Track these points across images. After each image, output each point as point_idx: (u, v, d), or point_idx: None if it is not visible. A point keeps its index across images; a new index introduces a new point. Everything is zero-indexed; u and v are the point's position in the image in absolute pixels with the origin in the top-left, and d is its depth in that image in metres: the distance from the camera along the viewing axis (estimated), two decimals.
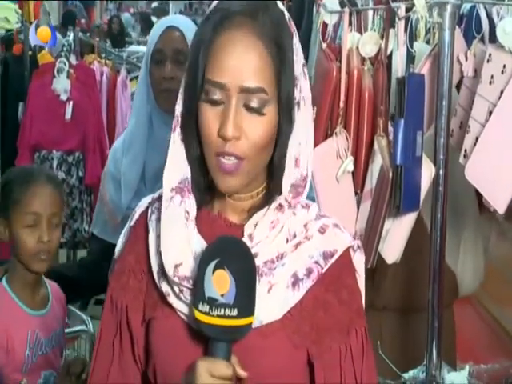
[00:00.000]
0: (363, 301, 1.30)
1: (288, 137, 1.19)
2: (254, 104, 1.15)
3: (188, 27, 2.23)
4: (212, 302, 1.12)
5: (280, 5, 1.21)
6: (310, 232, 1.22)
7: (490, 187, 1.90)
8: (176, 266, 1.20)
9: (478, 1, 1.99)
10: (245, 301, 1.14)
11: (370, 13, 2.23)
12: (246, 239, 1.19)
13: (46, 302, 2.18)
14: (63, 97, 3.77)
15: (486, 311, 2.35)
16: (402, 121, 1.88)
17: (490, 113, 1.88)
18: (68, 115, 3.80)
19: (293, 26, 1.21)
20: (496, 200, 1.89)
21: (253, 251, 1.17)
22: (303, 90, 1.20)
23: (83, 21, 6.06)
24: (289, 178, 1.20)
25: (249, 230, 1.20)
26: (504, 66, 1.85)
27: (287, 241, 1.21)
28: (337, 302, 1.21)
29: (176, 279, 1.19)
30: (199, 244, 1.22)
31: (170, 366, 1.24)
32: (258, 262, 1.17)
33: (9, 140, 3.85)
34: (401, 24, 1.89)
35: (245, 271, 1.14)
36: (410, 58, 2.30)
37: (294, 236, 1.21)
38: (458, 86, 2.13)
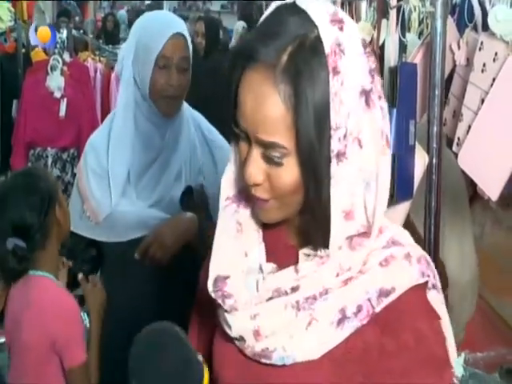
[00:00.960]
0: (447, 349, 1.11)
1: (315, 191, 1.05)
2: (271, 155, 1.05)
3: (187, 32, 2.20)
4: None
5: (322, 39, 1.00)
6: (368, 265, 1.09)
7: (483, 175, 1.92)
8: (216, 281, 1.14)
9: None
10: None
11: (364, 3, 2.25)
12: (290, 273, 1.11)
13: None
14: (57, 94, 3.78)
15: (481, 299, 2.36)
16: (395, 110, 1.88)
17: (483, 100, 1.89)
18: (62, 112, 3.80)
19: (341, 65, 1.00)
20: (489, 187, 1.91)
21: (295, 283, 1.10)
22: (352, 134, 1.02)
23: (77, 18, 6.07)
24: (339, 233, 1.06)
25: (303, 265, 1.12)
26: (496, 54, 1.85)
27: (337, 275, 1.08)
28: (396, 347, 1.06)
29: (213, 294, 1.13)
30: (259, 257, 1.16)
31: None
32: (299, 296, 1.08)
33: (3, 138, 3.87)
34: (393, 13, 1.90)
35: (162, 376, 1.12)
36: (403, 48, 2.28)
37: (347, 270, 1.08)
38: (451, 75, 2.13)
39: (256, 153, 1.07)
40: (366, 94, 1.03)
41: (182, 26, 2.17)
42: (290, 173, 1.05)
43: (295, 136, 1.02)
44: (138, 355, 1.14)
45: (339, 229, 1.06)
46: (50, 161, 3.81)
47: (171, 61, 2.13)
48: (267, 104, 1.02)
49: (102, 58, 4.38)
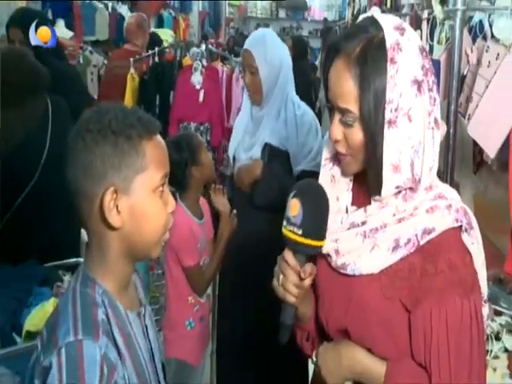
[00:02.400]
0: (478, 279, 1.08)
1: (372, 148, 1.05)
2: (345, 119, 1.07)
3: (254, 44, 2.11)
4: (288, 220, 1.08)
5: (386, 38, 1.03)
6: (418, 211, 1.08)
7: (485, 138, 1.96)
8: None
9: (478, 8, 2.02)
10: (310, 225, 1.06)
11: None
12: (361, 212, 1.12)
13: (202, 215, 2.26)
14: (198, 87, 3.99)
15: (484, 237, 2.40)
16: None
17: (487, 87, 1.95)
18: (200, 99, 4.01)
19: (397, 58, 1.02)
20: (489, 148, 1.95)
21: (364, 219, 1.11)
22: (402, 109, 1.03)
23: (212, 40, 6.56)
24: (389, 182, 1.06)
25: (370, 207, 1.12)
26: (498, 54, 1.91)
27: (393, 215, 1.08)
28: (434, 271, 1.05)
29: None
30: (346, 201, 1.16)
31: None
32: (366, 228, 1.10)
33: (164, 115, 4.05)
34: (424, 24, 2.01)
35: (314, 205, 1.07)
36: (431, 50, 2.33)
37: (401, 212, 1.08)
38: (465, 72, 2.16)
39: (336, 118, 1.09)
40: (418, 83, 1.03)
41: (250, 43, 2.12)
42: (357, 133, 1.06)
43: (359, 105, 1.04)
44: (309, 183, 1.12)
45: (388, 178, 1.05)
46: (192, 130, 4.00)
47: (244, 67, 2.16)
48: (342, 81, 1.05)
49: (227, 65, 4.57)
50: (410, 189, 1.07)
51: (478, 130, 2.00)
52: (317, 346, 1.23)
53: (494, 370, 1.76)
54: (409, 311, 1.08)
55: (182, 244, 2.09)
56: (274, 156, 2.11)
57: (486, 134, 1.95)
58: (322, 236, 1.08)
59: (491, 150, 1.95)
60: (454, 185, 2.16)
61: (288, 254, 1.09)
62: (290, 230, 1.07)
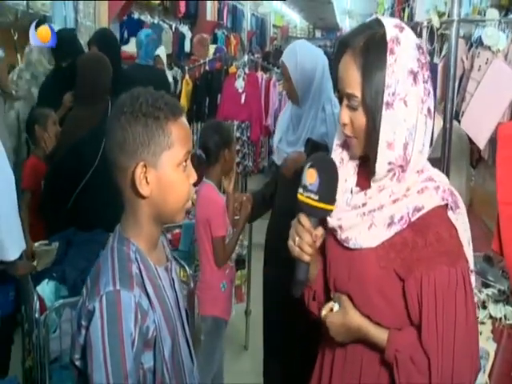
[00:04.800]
0: (461, 249, 1.05)
1: (372, 127, 1.03)
2: (350, 103, 1.05)
3: (287, 56, 2.06)
4: (304, 188, 1.06)
5: (386, 33, 1.01)
6: (409, 192, 1.05)
7: (475, 132, 1.91)
8: None
9: (471, 20, 1.97)
10: (325, 191, 1.05)
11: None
12: (362, 195, 1.10)
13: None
14: (240, 90, 4.02)
15: (481, 221, 2.32)
16: None
17: (477, 87, 1.90)
18: (242, 100, 4.04)
19: (396, 50, 1.01)
20: (478, 140, 1.90)
21: (364, 201, 1.09)
22: (399, 94, 1.01)
23: (257, 55, 6.60)
24: (383, 157, 1.03)
25: (369, 191, 1.10)
26: (487, 59, 1.87)
27: (389, 196, 1.06)
28: (424, 243, 1.02)
29: None
30: (352, 183, 1.14)
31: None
32: (365, 209, 1.08)
33: (212, 114, 4.14)
34: (424, 31, 1.96)
35: (328, 174, 1.06)
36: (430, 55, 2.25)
37: (396, 193, 1.06)
38: (462, 76, 2.10)
39: (344, 104, 1.07)
40: (414, 74, 1.01)
41: (285, 56, 2.09)
42: (361, 116, 1.05)
43: (362, 90, 1.02)
44: (323, 156, 1.12)
45: (382, 154, 1.03)
46: (235, 127, 4.06)
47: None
48: (349, 70, 1.04)
49: (266, 73, 4.61)
50: (401, 167, 1.04)
51: (469, 125, 1.96)
52: (322, 305, 1.22)
53: (480, 333, 1.73)
54: (402, 280, 1.05)
55: (215, 216, 2.08)
56: (316, 149, 2.04)
57: (476, 127, 1.92)
58: (333, 201, 1.07)
59: (481, 141, 1.93)
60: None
61: (303, 218, 1.08)
62: (308, 197, 1.06)
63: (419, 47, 1.03)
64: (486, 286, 1.80)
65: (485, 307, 1.72)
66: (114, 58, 2.67)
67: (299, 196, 1.07)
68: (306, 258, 1.10)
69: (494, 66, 1.82)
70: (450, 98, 1.97)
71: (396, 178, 1.05)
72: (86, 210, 2.30)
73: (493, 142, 1.94)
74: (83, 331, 0.92)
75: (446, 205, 1.04)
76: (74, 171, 2.31)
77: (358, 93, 1.03)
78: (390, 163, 1.03)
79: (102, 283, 0.93)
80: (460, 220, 1.06)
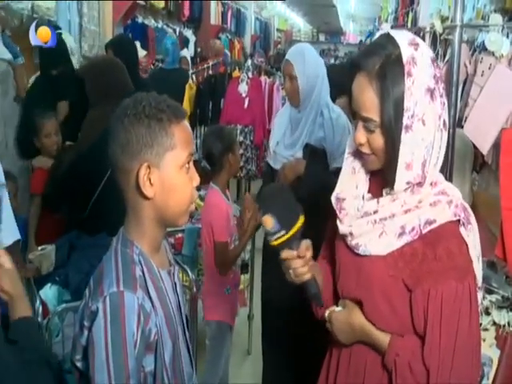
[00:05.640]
0: (473, 266, 1.05)
1: (391, 150, 1.02)
2: (368, 126, 1.05)
3: (294, 56, 2.06)
4: (270, 234, 1.07)
5: (402, 54, 0.99)
6: (422, 204, 1.05)
7: (478, 136, 1.90)
8: (337, 200, 1.15)
9: (474, 25, 1.97)
10: (286, 222, 1.05)
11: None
12: (374, 202, 1.10)
13: (229, 199, 2.21)
14: (243, 95, 4.01)
15: (486, 228, 2.30)
16: None
17: (480, 93, 1.89)
18: (245, 105, 4.03)
19: (413, 71, 0.99)
20: (481, 145, 1.90)
21: (376, 209, 1.08)
22: (417, 115, 1.00)
23: (261, 59, 6.61)
24: (401, 177, 1.03)
25: (382, 199, 1.10)
26: (490, 64, 1.86)
27: (401, 206, 1.06)
28: (434, 256, 1.02)
29: (334, 206, 1.15)
30: (363, 189, 1.14)
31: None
32: (377, 217, 1.07)
33: (215, 118, 4.13)
34: (427, 36, 1.96)
35: (278, 206, 1.06)
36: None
37: (408, 204, 1.06)
38: (465, 81, 2.09)
39: (360, 125, 1.06)
40: (431, 91, 1.00)
41: (290, 54, 2.09)
42: (379, 138, 1.04)
43: (380, 114, 1.02)
44: (266, 194, 1.13)
45: (402, 174, 1.03)
46: (238, 131, 4.07)
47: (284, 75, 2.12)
48: (365, 94, 1.02)
49: (269, 76, 4.60)
50: (418, 183, 1.04)
51: (472, 130, 1.95)
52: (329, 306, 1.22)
53: (484, 340, 1.73)
54: (410, 291, 1.05)
55: (218, 220, 2.08)
56: (314, 154, 2.09)
57: (479, 133, 1.91)
58: (298, 218, 1.06)
59: (484, 147, 1.91)
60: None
61: (285, 254, 1.09)
62: (277, 238, 1.06)
63: (433, 61, 1.03)
64: (490, 292, 1.79)
65: (488, 314, 1.71)
66: (130, 62, 2.64)
67: (272, 244, 1.07)
68: (307, 276, 1.12)
69: (498, 72, 1.81)
70: (452, 103, 1.97)
71: (410, 190, 1.06)
72: (99, 214, 2.23)
73: (497, 146, 1.93)
74: (85, 332, 0.93)
75: (458, 220, 1.04)
76: (92, 174, 2.27)
77: (375, 117, 1.02)
78: (408, 182, 1.04)
79: (105, 284, 0.93)
80: (471, 236, 1.06)
